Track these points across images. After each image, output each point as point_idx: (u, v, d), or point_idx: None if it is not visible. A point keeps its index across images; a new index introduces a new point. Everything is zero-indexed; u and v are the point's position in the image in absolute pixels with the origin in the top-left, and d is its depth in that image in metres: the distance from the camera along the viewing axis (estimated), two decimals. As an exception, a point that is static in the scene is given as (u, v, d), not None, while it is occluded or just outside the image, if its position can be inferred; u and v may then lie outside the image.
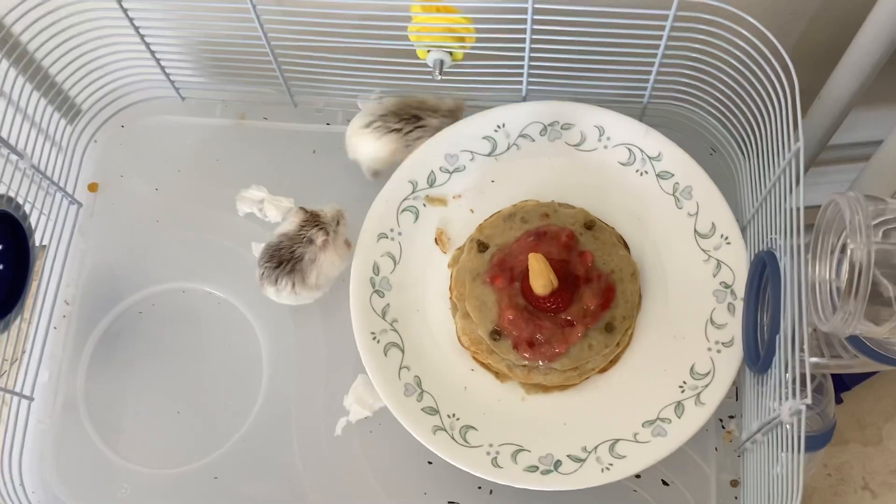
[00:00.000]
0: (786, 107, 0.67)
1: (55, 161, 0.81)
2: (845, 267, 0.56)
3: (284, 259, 0.75)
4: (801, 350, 0.58)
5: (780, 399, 0.61)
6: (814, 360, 0.68)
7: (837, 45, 0.86)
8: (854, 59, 0.83)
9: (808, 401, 0.56)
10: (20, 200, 0.74)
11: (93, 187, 0.85)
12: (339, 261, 0.77)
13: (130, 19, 0.76)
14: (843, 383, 1.27)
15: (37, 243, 0.77)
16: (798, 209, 0.61)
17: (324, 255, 0.75)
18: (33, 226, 0.75)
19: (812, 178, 1.12)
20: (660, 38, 0.73)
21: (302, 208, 0.76)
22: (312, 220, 0.75)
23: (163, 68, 0.83)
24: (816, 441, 0.90)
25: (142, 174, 0.86)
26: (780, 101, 0.68)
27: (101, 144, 0.87)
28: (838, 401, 1.28)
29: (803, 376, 0.58)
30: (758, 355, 0.68)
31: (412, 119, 0.80)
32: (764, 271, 0.68)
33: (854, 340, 0.63)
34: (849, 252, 0.53)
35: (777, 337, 0.63)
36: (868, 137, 1.15)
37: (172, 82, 0.86)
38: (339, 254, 0.77)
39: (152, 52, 0.81)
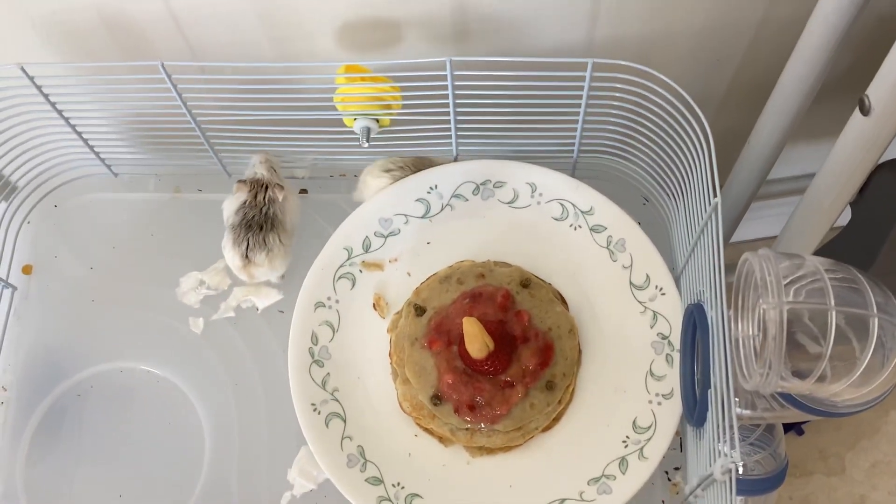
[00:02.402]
0: (705, 164, 0.67)
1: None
2: (765, 323, 0.56)
3: (260, 223, 0.79)
4: (731, 406, 0.58)
5: (714, 456, 0.61)
6: (747, 412, 0.68)
7: (769, 84, 0.87)
8: (778, 101, 0.84)
9: (738, 459, 0.56)
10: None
11: (27, 269, 0.85)
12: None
13: (52, 103, 0.76)
14: (804, 414, 1.28)
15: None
16: (720, 265, 0.62)
17: (286, 203, 0.81)
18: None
19: (755, 212, 1.14)
20: (581, 95, 0.73)
21: (240, 181, 0.81)
22: (258, 184, 0.81)
23: (91, 147, 0.83)
24: (771, 482, 0.90)
25: (76, 253, 0.85)
26: (701, 156, 0.69)
27: (34, 225, 0.87)
28: (800, 432, 1.28)
29: (734, 433, 0.58)
30: (695, 408, 0.68)
31: None
32: (695, 324, 0.68)
33: (784, 394, 0.63)
34: (760, 312, 0.53)
35: (709, 392, 0.63)
36: (806, 170, 1.17)
37: (103, 160, 0.85)
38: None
39: (79, 134, 0.81)
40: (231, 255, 0.80)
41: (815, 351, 0.56)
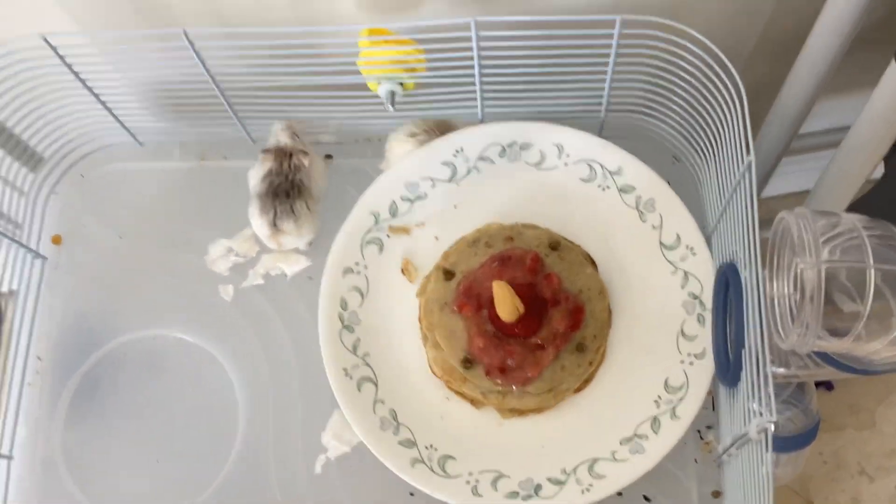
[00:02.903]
0: (738, 119, 0.66)
1: (17, 216, 0.80)
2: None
3: (287, 190, 0.79)
4: (765, 364, 0.58)
5: (748, 416, 0.61)
6: (781, 370, 0.68)
7: (801, 35, 0.85)
8: (811, 52, 0.82)
9: (774, 418, 0.56)
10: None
11: (56, 240, 0.85)
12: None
13: (75, 73, 0.76)
14: (834, 369, 1.27)
15: (5, 301, 0.77)
16: (754, 225, 0.61)
17: (312, 169, 0.81)
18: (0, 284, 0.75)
19: (785, 167, 1.12)
20: (608, 53, 0.72)
21: (265, 150, 0.81)
22: (282, 152, 0.80)
23: (116, 116, 0.83)
24: (803, 438, 0.90)
25: (105, 223, 0.85)
26: (733, 114, 0.67)
27: (62, 196, 0.87)
28: (829, 388, 1.28)
29: (770, 392, 0.57)
30: (728, 368, 0.68)
31: None
32: (728, 284, 0.67)
33: (819, 352, 0.63)
34: (797, 267, 0.52)
35: (743, 351, 0.63)
36: (838, 123, 1.14)
37: (128, 129, 0.85)
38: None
39: (103, 103, 0.81)
40: (259, 224, 0.80)
41: (852, 310, 0.55)
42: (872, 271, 0.51)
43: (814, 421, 0.89)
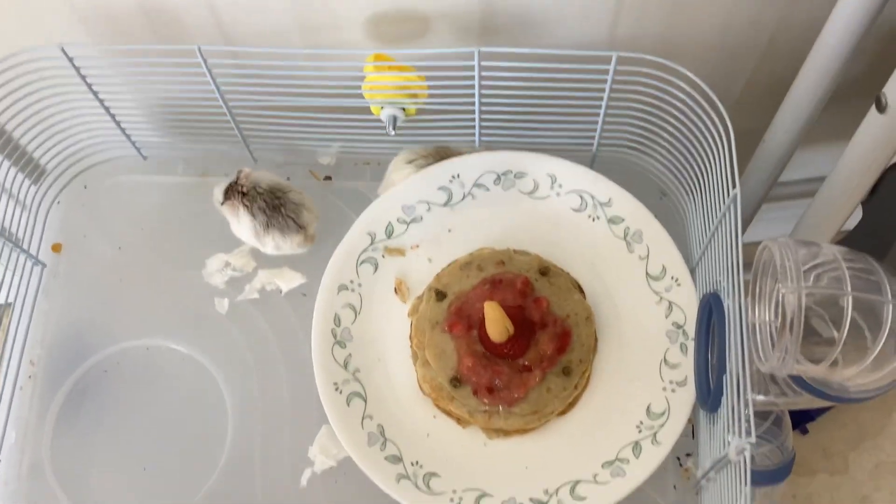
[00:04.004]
0: (724, 156, 0.69)
1: (19, 223, 0.82)
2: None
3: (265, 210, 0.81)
4: (746, 390, 0.60)
5: (729, 436, 0.63)
6: (760, 398, 0.70)
7: (784, 86, 0.89)
8: (793, 101, 0.86)
9: (753, 439, 0.58)
10: (-17, 264, 0.75)
11: (56, 248, 0.87)
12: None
13: (89, 85, 0.78)
14: (808, 414, 1.30)
15: (1, 303, 0.78)
16: (738, 255, 0.64)
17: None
18: (-3, 287, 0.77)
19: (764, 213, 1.16)
20: (604, 88, 0.75)
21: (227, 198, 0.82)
22: (233, 190, 0.82)
23: (123, 130, 0.85)
24: (777, 473, 0.91)
25: (105, 234, 0.87)
26: (719, 149, 0.70)
27: (65, 205, 0.89)
28: (804, 431, 1.30)
29: (749, 415, 0.60)
30: (709, 394, 0.70)
31: None
32: (711, 313, 0.70)
33: (796, 378, 0.65)
34: (779, 294, 0.55)
35: (724, 377, 0.65)
36: (816, 174, 1.18)
37: (133, 143, 0.87)
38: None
39: (112, 116, 0.83)
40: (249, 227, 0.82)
41: (829, 336, 0.58)
42: (850, 298, 0.54)
43: (789, 457, 0.91)
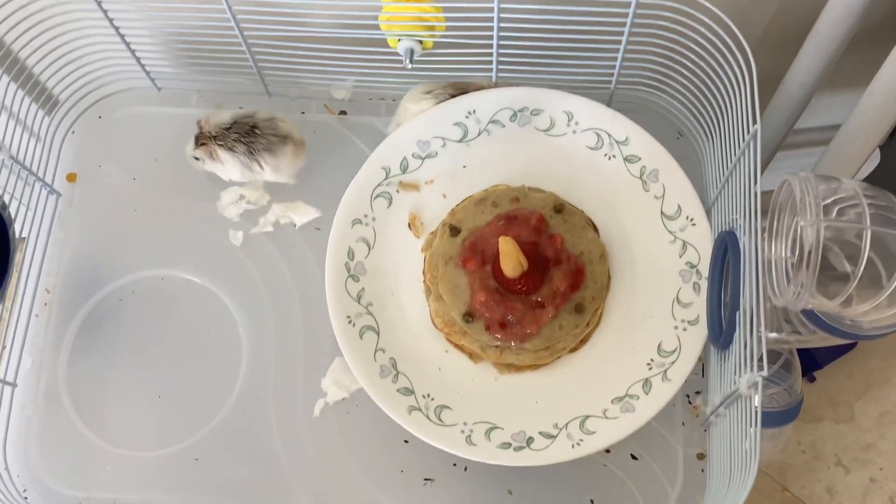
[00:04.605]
0: (746, 92, 0.69)
1: (34, 152, 0.82)
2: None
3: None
4: (759, 326, 0.60)
5: (740, 373, 0.63)
6: (773, 335, 0.71)
7: (804, 30, 0.88)
8: (814, 43, 0.85)
9: (765, 373, 0.58)
10: (-1, 191, 0.75)
11: (71, 177, 0.87)
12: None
13: (105, 11, 0.77)
14: (816, 362, 1.30)
15: (17, 233, 0.78)
16: (756, 191, 0.63)
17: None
18: (13, 216, 0.77)
19: (778, 163, 1.15)
20: (624, 24, 0.74)
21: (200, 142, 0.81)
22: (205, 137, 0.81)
23: (138, 60, 0.85)
24: (785, 415, 0.93)
25: (120, 164, 0.87)
26: (740, 86, 0.70)
27: (79, 135, 0.89)
28: (811, 379, 1.31)
29: (762, 351, 0.60)
30: (721, 332, 0.70)
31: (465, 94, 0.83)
32: (726, 251, 0.70)
33: (809, 315, 0.65)
34: (799, 229, 0.54)
35: (737, 314, 0.65)
36: (832, 121, 1.17)
37: (148, 73, 0.87)
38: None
39: (128, 45, 0.82)
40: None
41: (845, 272, 0.58)
42: (868, 232, 0.54)
43: (797, 400, 0.92)
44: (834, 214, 0.58)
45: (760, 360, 0.59)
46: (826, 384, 1.31)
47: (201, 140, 0.81)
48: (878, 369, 1.32)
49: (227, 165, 0.82)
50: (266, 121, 0.81)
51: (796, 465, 1.28)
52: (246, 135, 0.81)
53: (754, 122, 0.66)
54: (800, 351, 1.16)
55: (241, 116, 0.82)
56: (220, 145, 0.81)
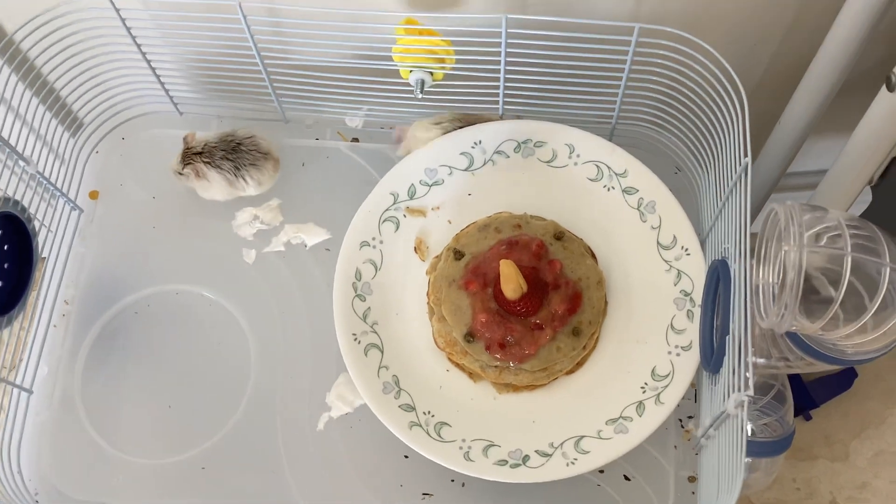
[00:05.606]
0: (738, 126, 0.72)
1: (58, 170, 0.86)
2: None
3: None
4: (747, 349, 0.63)
5: (729, 395, 0.66)
6: (762, 360, 0.73)
7: (800, 75, 0.92)
8: (807, 86, 0.88)
9: (751, 392, 0.61)
10: (25, 204, 0.79)
11: (93, 195, 0.91)
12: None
13: (133, 37, 0.82)
14: (812, 401, 1.32)
15: (39, 247, 0.82)
16: (746, 217, 0.66)
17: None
18: (37, 230, 0.80)
19: (773, 203, 1.18)
20: (624, 60, 0.78)
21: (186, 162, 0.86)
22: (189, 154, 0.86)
23: (163, 84, 0.89)
24: (777, 446, 0.94)
25: (140, 183, 0.91)
26: (733, 120, 0.73)
27: (103, 155, 0.93)
28: (808, 418, 1.33)
29: (749, 374, 0.62)
30: (712, 355, 0.73)
31: None
32: (718, 279, 0.73)
33: (794, 339, 0.68)
34: (782, 254, 0.57)
35: (727, 338, 0.68)
36: (825, 166, 1.20)
37: (171, 98, 0.91)
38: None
39: (153, 70, 0.86)
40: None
41: (828, 296, 0.60)
42: (849, 258, 0.57)
43: (789, 431, 0.94)
44: (817, 241, 0.61)
45: (748, 381, 0.62)
46: (822, 423, 1.32)
47: (187, 159, 0.86)
48: (874, 410, 1.33)
49: (213, 183, 0.86)
50: (248, 138, 0.87)
51: (791, 503, 1.29)
52: (232, 151, 0.85)
53: (745, 155, 0.69)
54: (796, 389, 1.19)
55: (223, 135, 0.87)
56: (207, 163, 0.85)
